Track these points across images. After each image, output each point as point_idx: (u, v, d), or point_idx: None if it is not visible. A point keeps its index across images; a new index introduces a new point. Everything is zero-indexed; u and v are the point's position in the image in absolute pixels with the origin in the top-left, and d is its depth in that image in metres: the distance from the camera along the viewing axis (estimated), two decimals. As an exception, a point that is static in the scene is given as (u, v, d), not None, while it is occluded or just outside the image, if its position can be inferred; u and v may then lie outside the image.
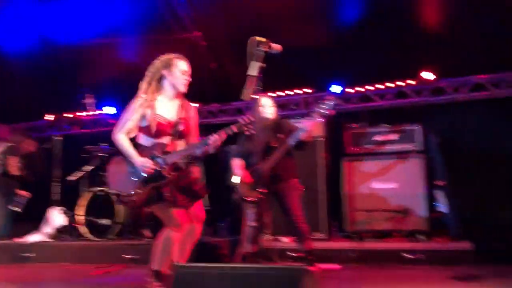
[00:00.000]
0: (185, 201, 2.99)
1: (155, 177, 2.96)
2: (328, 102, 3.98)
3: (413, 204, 4.94)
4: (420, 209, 4.93)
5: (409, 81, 6.06)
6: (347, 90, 6.30)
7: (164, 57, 3.12)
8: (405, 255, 4.55)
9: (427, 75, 5.92)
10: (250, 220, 4.11)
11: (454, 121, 5.87)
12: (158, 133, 3.00)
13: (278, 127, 4.20)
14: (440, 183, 5.22)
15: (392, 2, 5.26)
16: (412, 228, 4.87)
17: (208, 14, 6.02)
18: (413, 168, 5.05)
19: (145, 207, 3.18)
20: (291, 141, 3.98)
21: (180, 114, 3.09)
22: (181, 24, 6.05)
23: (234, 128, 2.91)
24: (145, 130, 3.04)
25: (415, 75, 6.00)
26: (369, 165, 5.24)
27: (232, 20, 5.80)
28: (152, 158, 2.98)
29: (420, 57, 5.78)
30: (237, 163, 4.00)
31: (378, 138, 5.29)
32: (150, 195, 2.98)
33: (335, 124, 5.65)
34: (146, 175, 2.97)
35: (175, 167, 3.00)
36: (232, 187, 4.29)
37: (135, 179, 3.02)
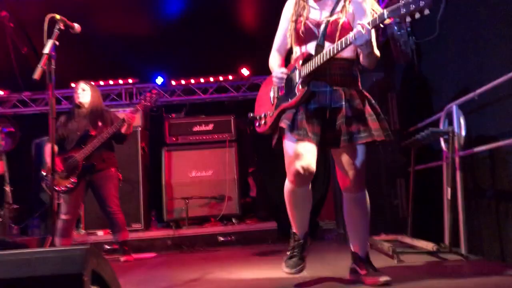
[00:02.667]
0: (317, 132, 2.23)
1: (285, 95, 2.36)
2: (151, 95, 4.05)
3: (228, 190, 5.21)
4: (234, 194, 5.23)
5: (230, 77, 6.39)
6: (172, 82, 6.38)
7: None
8: (220, 238, 4.86)
9: (245, 72, 6.33)
10: (61, 213, 3.86)
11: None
12: (301, 38, 2.38)
13: (99, 115, 4.06)
14: (251, 169, 5.69)
15: (215, 1, 5.48)
16: (226, 213, 5.15)
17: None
18: (227, 156, 5.31)
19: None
20: (113, 132, 3.92)
21: (336, 10, 2.34)
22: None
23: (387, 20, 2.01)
24: (294, 37, 2.44)
25: (234, 71, 6.37)
26: (187, 155, 5.36)
27: (47, 1, 5.34)
28: (292, 71, 2.38)
29: (238, 55, 6.16)
30: (49, 149, 3.73)
31: (195, 128, 5.47)
32: (276, 120, 2.37)
33: (158, 115, 5.69)
34: (276, 94, 2.43)
35: (308, 80, 2.30)
36: (42, 178, 4.00)
37: (271, 100, 2.48)
